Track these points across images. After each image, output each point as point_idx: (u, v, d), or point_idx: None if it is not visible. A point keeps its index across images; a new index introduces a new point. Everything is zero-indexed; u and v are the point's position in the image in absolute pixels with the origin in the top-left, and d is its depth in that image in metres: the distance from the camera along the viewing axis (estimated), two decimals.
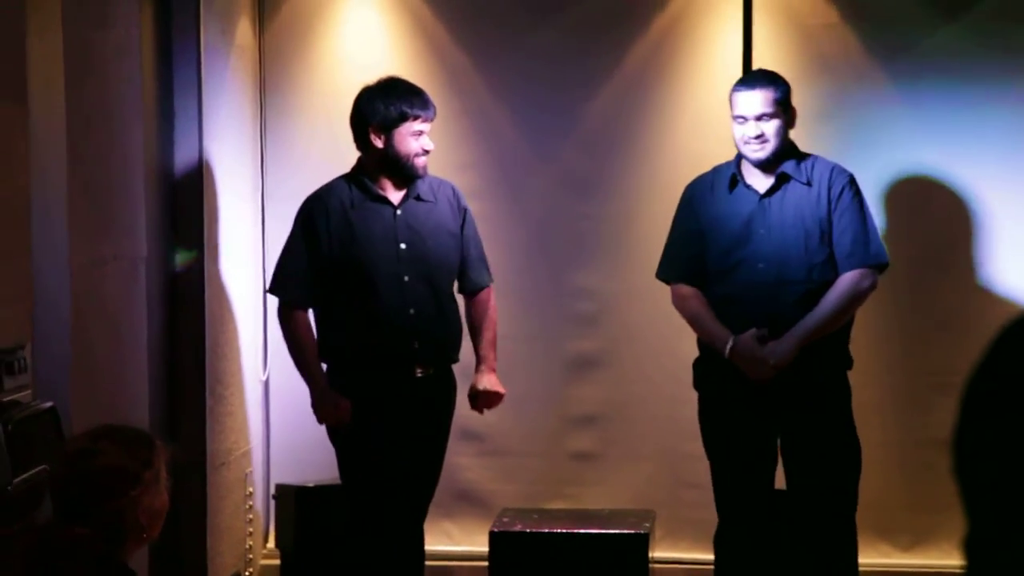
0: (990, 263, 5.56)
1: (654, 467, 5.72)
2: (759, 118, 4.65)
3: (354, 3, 5.76)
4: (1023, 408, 1.15)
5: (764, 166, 4.69)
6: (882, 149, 5.52)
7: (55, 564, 2.92)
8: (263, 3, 5.75)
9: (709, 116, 5.60)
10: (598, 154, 5.70)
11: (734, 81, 5.52)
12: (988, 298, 5.54)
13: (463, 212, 4.83)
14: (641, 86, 5.66)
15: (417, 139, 4.64)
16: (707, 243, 4.73)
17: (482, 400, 4.88)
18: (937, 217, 5.57)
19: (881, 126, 5.55)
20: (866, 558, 5.47)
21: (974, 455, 1.17)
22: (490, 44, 5.71)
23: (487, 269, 4.92)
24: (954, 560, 5.41)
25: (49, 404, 3.76)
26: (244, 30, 5.62)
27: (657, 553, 5.53)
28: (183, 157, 5.15)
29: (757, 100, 4.66)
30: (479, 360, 4.90)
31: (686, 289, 4.77)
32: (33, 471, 3.53)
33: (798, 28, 5.60)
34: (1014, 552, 1.15)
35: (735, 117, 4.70)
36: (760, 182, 4.71)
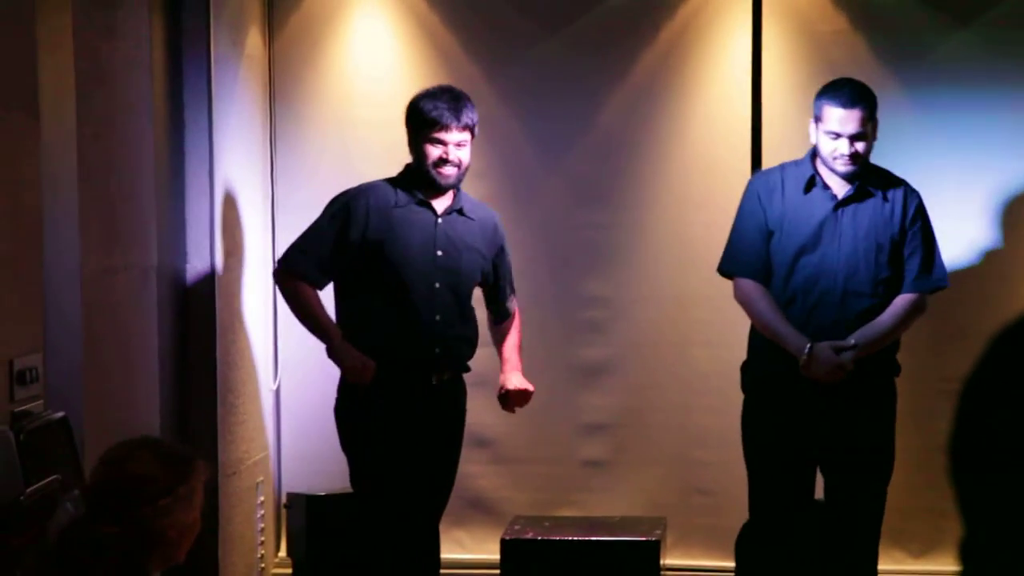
0: (1002, 270, 5.55)
1: (665, 474, 5.72)
2: (854, 137, 4.65)
3: (363, 12, 5.77)
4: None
5: (853, 177, 4.70)
6: (892, 155, 5.49)
7: (80, 558, 2.93)
8: (272, 13, 5.77)
9: (719, 124, 5.60)
10: (608, 162, 5.70)
11: (743, 88, 5.54)
12: (1000, 305, 5.53)
13: (499, 248, 4.88)
14: (651, 94, 5.66)
15: (436, 147, 4.65)
16: (774, 241, 4.72)
17: (513, 399, 4.89)
18: (948, 224, 5.56)
19: (891, 133, 5.52)
20: (879, 564, 5.47)
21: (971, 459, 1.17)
22: (500, 53, 5.72)
23: (513, 297, 4.99)
24: (965, 566, 5.42)
25: (61, 414, 3.76)
26: (254, 40, 5.64)
27: (668, 560, 5.53)
28: (193, 167, 5.16)
29: (855, 119, 4.64)
30: (504, 362, 4.93)
31: (751, 286, 4.73)
32: (45, 481, 3.53)
33: (808, 35, 5.60)
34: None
35: (828, 132, 4.66)
36: (838, 186, 4.71)
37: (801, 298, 4.68)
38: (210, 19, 5.16)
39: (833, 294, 4.66)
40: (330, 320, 4.73)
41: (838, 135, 4.65)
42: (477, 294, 4.91)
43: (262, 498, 5.66)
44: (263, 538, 5.68)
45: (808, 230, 4.68)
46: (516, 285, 5.05)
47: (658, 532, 5.30)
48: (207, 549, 5.19)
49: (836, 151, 4.66)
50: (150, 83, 4.68)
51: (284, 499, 5.70)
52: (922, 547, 5.65)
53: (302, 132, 5.78)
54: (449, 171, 4.67)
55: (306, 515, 5.43)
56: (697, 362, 5.54)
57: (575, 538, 5.26)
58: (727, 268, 4.82)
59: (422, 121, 4.65)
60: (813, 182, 4.72)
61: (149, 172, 4.64)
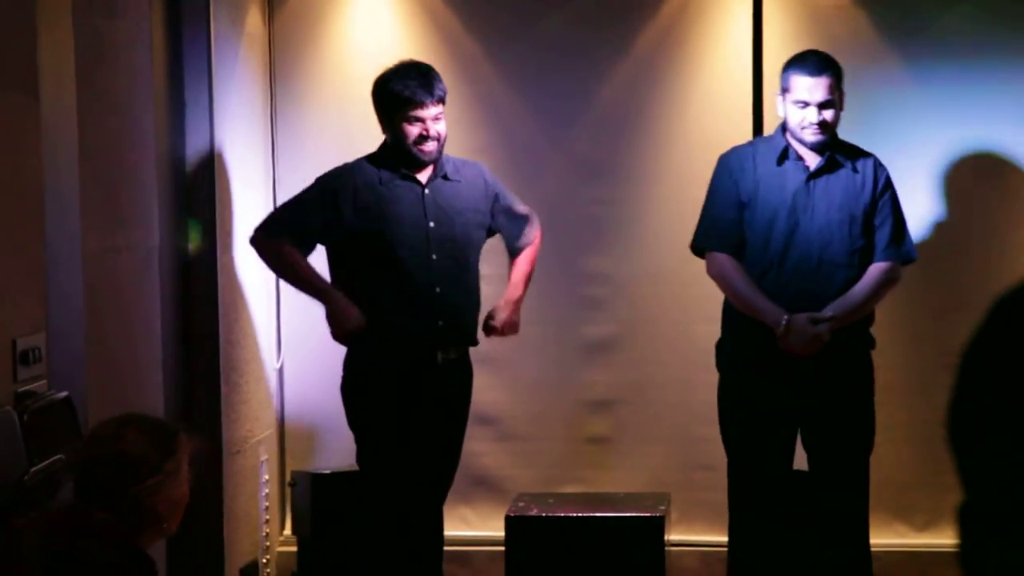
0: (1004, 243, 5.55)
1: (669, 450, 5.73)
2: (822, 105, 4.65)
3: None
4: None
5: (824, 148, 4.70)
6: (894, 130, 5.51)
7: (75, 547, 2.94)
8: None
9: (720, 99, 5.60)
10: (610, 139, 5.70)
11: (744, 63, 5.53)
12: (1003, 278, 5.53)
13: (493, 195, 4.84)
14: (652, 70, 5.65)
15: (412, 125, 4.64)
16: (747, 213, 4.72)
17: (494, 333, 4.82)
18: (951, 197, 5.56)
19: (893, 107, 5.54)
20: (881, 538, 5.49)
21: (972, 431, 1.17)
22: (500, 30, 5.71)
23: (529, 223, 4.91)
24: (968, 539, 5.43)
25: (64, 394, 3.77)
26: (254, 18, 5.63)
27: (673, 536, 5.54)
28: (194, 146, 5.16)
29: (823, 87, 4.66)
30: (507, 287, 4.87)
31: (726, 259, 4.74)
32: (49, 461, 3.54)
33: (809, 10, 5.59)
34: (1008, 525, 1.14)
35: (795, 101, 4.69)
36: (810, 158, 4.72)
37: (776, 269, 4.69)
38: None
39: (808, 264, 4.67)
40: (320, 276, 4.69)
41: (806, 104, 4.67)
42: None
43: (266, 477, 5.67)
44: (268, 517, 5.69)
45: (782, 201, 4.69)
46: None
47: (662, 508, 5.31)
48: (212, 528, 5.20)
49: (804, 120, 4.67)
50: (150, 62, 4.67)
51: (289, 478, 5.70)
52: (925, 520, 5.66)
53: (303, 110, 5.77)
54: (430, 146, 4.66)
55: (311, 493, 5.43)
56: (699, 338, 5.53)
57: (579, 514, 5.26)
58: (701, 244, 4.82)
59: (395, 101, 4.64)
60: (786, 154, 4.73)
61: (150, 151, 4.63)
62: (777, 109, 4.78)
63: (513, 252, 4.92)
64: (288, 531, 5.81)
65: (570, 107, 5.70)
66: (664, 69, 5.65)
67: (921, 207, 5.53)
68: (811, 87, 4.66)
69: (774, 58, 5.29)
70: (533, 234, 4.93)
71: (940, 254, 5.54)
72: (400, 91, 4.63)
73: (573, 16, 5.68)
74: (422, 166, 4.71)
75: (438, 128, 4.67)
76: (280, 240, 4.67)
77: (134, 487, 2.95)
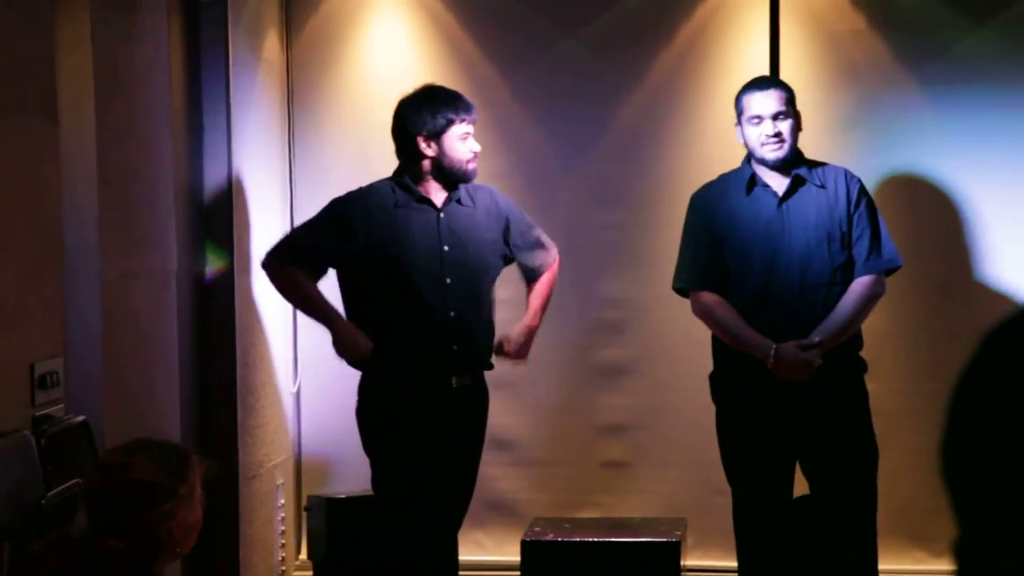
0: (1021, 267, 5.54)
1: (685, 475, 5.72)
2: (775, 117, 4.67)
3: (381, 15, 5.78)
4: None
5: (779, 167, 4.69)
6: (911, 155, 5.51)
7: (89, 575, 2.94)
8: (290, 17, 5.78)
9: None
10: (625, 163, 5.70)
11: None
12: (1020, 301, 5.52)
13: (504, 219, 4.84)
14: (668, 95, 5.66)
15: (465, 142, 4.67)
16: (725, 247, 4.72)
17: (506, 348, 4.79)
18: (967, 222, 5.55)
19: (910, 132, 5.54)
20: (899, 564, 5.47)
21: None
22: (517, 55, 5.72)
23: (545, 248, 4.91)
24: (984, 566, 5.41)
25: (81, 418, 3.78)
26: (272, 44, 5.65)
27: (689, 561, 5.53)
28: (212, 171, 5.18)
29: (773, 99, 4.68)
30: (525, 313, 4.87)
31: (710, 297, 4.74)
32: (66, 485, 3.55)
33: (825, 34, 5.59)
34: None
35: (750, 118, 4.70)
36: (777, 183, 4.71)
37: (760, 299, 4.67)
38: (228, 23, 5.17)
39: (791, 289, 4.65)
40: (328, 303, 4.68)
41: (760, 118, 4.68)
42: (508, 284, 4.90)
43: (282, 501, 5.67)
44: (283, 541, 5.69)
45: (757, 230, 4.68)
46: None
47: (678, 533, 5.30)
48: (228, 552, 5.20)
49: (762, 135, 4.68)
50: (168, 87, 4.70)
51: (304, 502, 5.70)
52: (942, 547, 5.64)
53: (320, 135, 5.79)
54: (476, 163, 4.71)
55: (326, 518, 5.43)
56: None
57: (595, 539, 5.25)
58: (682, 284, 4.81)
59: (449, 120, 4.64)
60: (753, 181, 4.72)
61: (168, 176, 4.65)
62: (737, 138, 4.78)
63: (530, 278, 4.92)
64: (304, 555, 5.81)
65: (586, 131, 5.71)
66: (680, 94, 5.66)
67: (936, 232, 5.52)
68: (762, 100, 4.68)
69: (791, 83, 5.27)
70: (550, 261, 4.93)
71: (958, 279, 5.53)
72: (454, 112, 4.65)
73: (589, 40, 5.69)
74: (451, 188, 4.71)
75: (478, 146, 4.72)
76: (291, 265, 4.67)
77: (148, 515, 2.94)
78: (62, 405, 3.81)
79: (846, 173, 4.74)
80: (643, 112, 5.67)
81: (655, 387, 5.72)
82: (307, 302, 4.71)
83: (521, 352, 4.81)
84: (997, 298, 5.53)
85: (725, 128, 5.62)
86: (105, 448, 3.80)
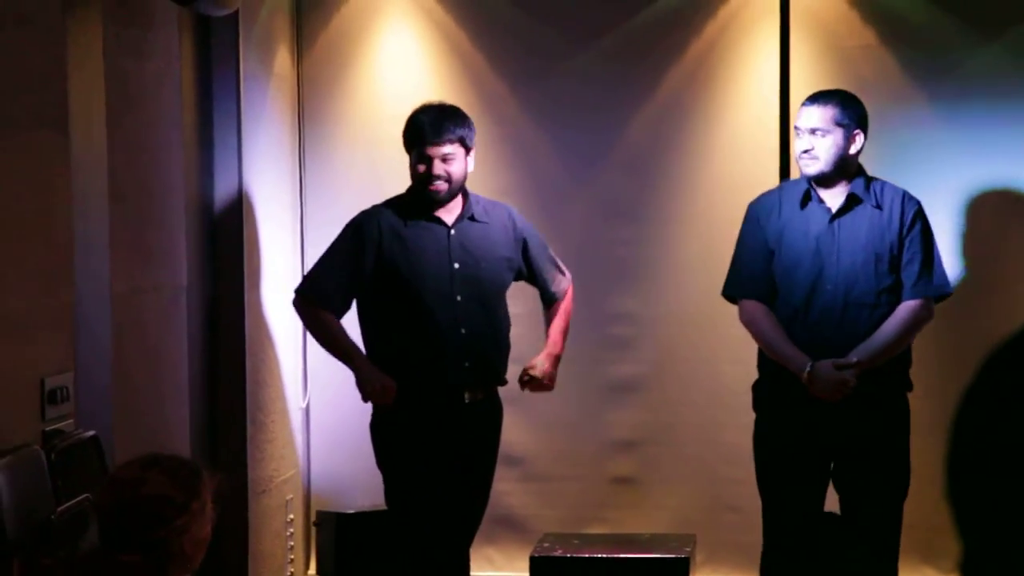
0: None
1: (694, 491, 5.71)
2: (812, 132, 4.66)
3: (391, 31, 5.79)
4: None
5: (827, 182, 4.68)
6: (922, 170, 5.50)
7: None
8: (301, 33, 5.79)
9: (746, 140, 5.60)
10: (636, 179, 5.70)
11: (771, 104, 5.56)
12: None
13: (521, 241, 4.84)
14: (678, 111, 5.66)
15: (421, 163, 4.66)
16: (775, 259, 4.72)
17: (531, 384, 4.81)
18: (977, 238, 5.55)
19: (921, 147, 5.54)
20: None
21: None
22: (527, 70, 5.73)
23: (562, 273, 4.93)
24: None
25: (91, 433, 3.78)
26: (282, 60, 5.66)
27: None
28: (223, 186, 5.19)
29: (813, 115, 4.67)
30: (546, 343, 4.87)
31: (755, 306, 4.73)
32: (76, 500, 3.55)
33: (836, 50, 5.59)
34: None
35: (795, 129, 4.72)
36: (831, 199, 4.70)
37: (803, 314, 4.67)
38: (239, 39, 5.19)
39: (835, 307, 4.64)
40: (352, 344, 4.71)
41: (800, 131, 4.69)
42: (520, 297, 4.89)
43: (292, 516, 5.67)
44: (292, 556, 5.69)
45: (806, 245, 4.68)
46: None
47: (688, 549, 5.29)
48: (237, 567, 5.20)
49: (798, 149, 4.69)
50: (180, 102, 4.71)
51: (314, 517, 5.70)
52: (952, 564, 5.62)
53: (331, 150, 5.80)
54: (440, 185, 4.66)
55: (335, 533, 5.43)
56: (726, 378, 5.52)
57: (604, 555, 5.25)
58: (730, 292, 4.83)
59: (407, 138, 4.69)
60: (809, 196, 4.72)
61: (179, 191, 4.66)
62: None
63: (548, 302, 4.93)
64: (313, 571, 5.81)
65: (596, 147, 5.71)
66: (691, 110, 5.66)
67: (947, 247, 5.52)
68: (805, 114, 4.69)
69: (801, 98, 5.26)
70: (566, 286, 4.94)
71: (973, 294, 5.52)
72: (410, 128, 4.69)
73: (599, 56, 5.70)
74: (441, 206, 4.71)
75: (447, 168, 4.67)
76: (319, 306, 4.70)
77: (160, 530, 2.94)
78: (72, 420, 3.81)
79: (904, 195, 4.72)
80: (653, 128, 5.67)
81: (665, 403, 5.72)
82: (332, 343, 4.72)
83: (547, 380, 4.81)
84: (1006, 313, 5.52)
85: (736, 144, 5.64)
86: (115, 463, 3.79)
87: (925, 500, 5.48)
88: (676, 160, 5.67)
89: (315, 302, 4.71)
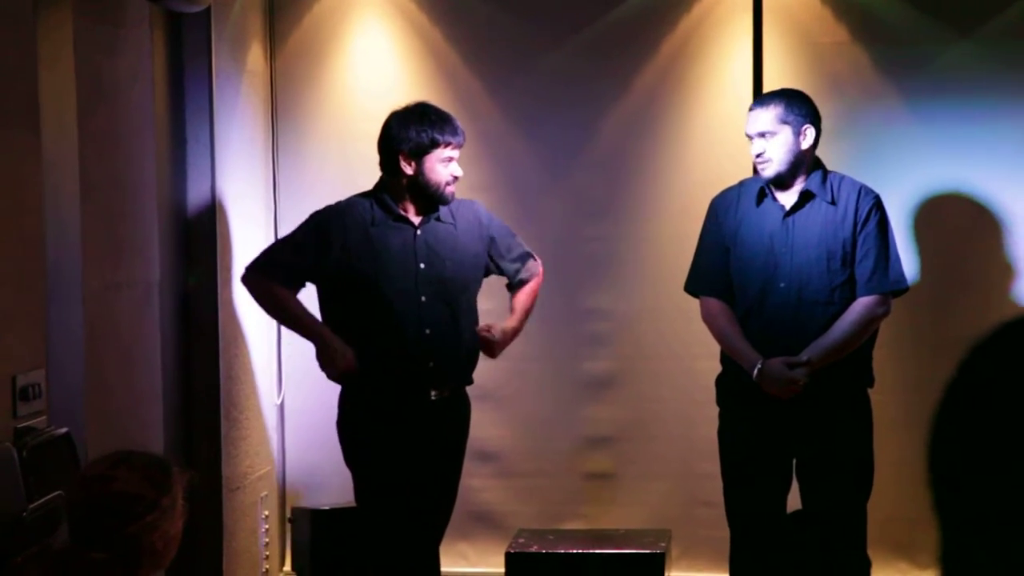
0: (1006, 278, 5.55)
1: (670, 486, 5.72)
2: (761, 135, 4.67)
3: (365, 28, 5.79)
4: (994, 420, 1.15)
5: (784, 183, 4.69)
6: (895, 167, 5.52)
7: None
8: (274, 29, 5.78)
9: (720, 136, 5.61)
10: (611, 175, 5.71)
11: (744, 101, 5.57)
12: (1003, 313, 5.53)
13: (488, 236, 4.83)
14: (652, 107, 5.67)
15: (447, 166, 4.65)
16: (731, 257, 4.73)
17: (491, 331, 4.76)
18: (952, 233, 5.57)
19: (893, 144, 5.55)
20: (885, 575, 5.47)
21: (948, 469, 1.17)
22: (501, 67, 5.73)
23: (533, 258, 4.91)
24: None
25: (64, 430, 3.77)
26: (255, 56, 5.65)
27: (673, 573, 5.53)
28: (195, 183, 5.18)
29: (759, 118, 4.68)
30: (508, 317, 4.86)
31: (714, 303, 4.76)
32: (48, 497, 3.54)
33: (809, 47, 5.60)
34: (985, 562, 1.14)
35: (746, 135, 4.72)
36: (786, 197, 4.71)
37: (757, 312, 4.68)
38: (211, 35, 5.18)
39: (788, 304, 4.64)
40: (308, 313, 4.67)
41: (750, 137, 4.70)
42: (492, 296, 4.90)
43: (266, 512, 5.66)
44: (267, 552, 5.68)
45: (760, 243, 4.69)
46: None
47: (663, 544, 5.30)
48: (212, 564, 5.19)
49: (752, 155, 4.70)
50: (152, 98, 4.69)
51: (289, 513, 5.70)
52: (929, 558, 5.64)
53: (304, 147, 5.79)
54: (455, 187, 4.69)
55: (311, 529, 5.43)
56: (701, 374, 5.53)
57: (580, 551, 5.25)
58: (690, 287, 4.86)
59: (433, 142, 4.62)
60: (763, 194, 4.72)
61: (151, 187, 4.65)
62: None
63: (513, 287, 4.92)
64: (288, 567, 5.80)
65: (570, 144, 5.72)
66: (664, 106, 5.67)
67: (921, 242, 5.54)
68: (750, 120, 4.71)
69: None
70: (536, 271, 4.92)
71: (942, 289, 5.54)
72: (439, 133, 4.63)
73: (573, 53, 5.70)
74: (422, 207, 4.70)
75: (460, 171, 4.69)
76: (271, 280, 4.67)
77: (131, 526, 2.94)
78: (44, 417, 3.79)
79: (861, 189, 4.70)
80: (628, 125, 5.68)
81: (640, 399, 5.73)
82: (287, 315, 4.71)
83: (497, 346, 4.77)
84: (984, 308, 5.54)
85: (710, 140, 5.65)
86: (88, 460, 3.78)
87: (900, 495, 5.50)
88: (650, 156, 5.69)
89: (266, 276, 4.66)
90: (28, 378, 3.74)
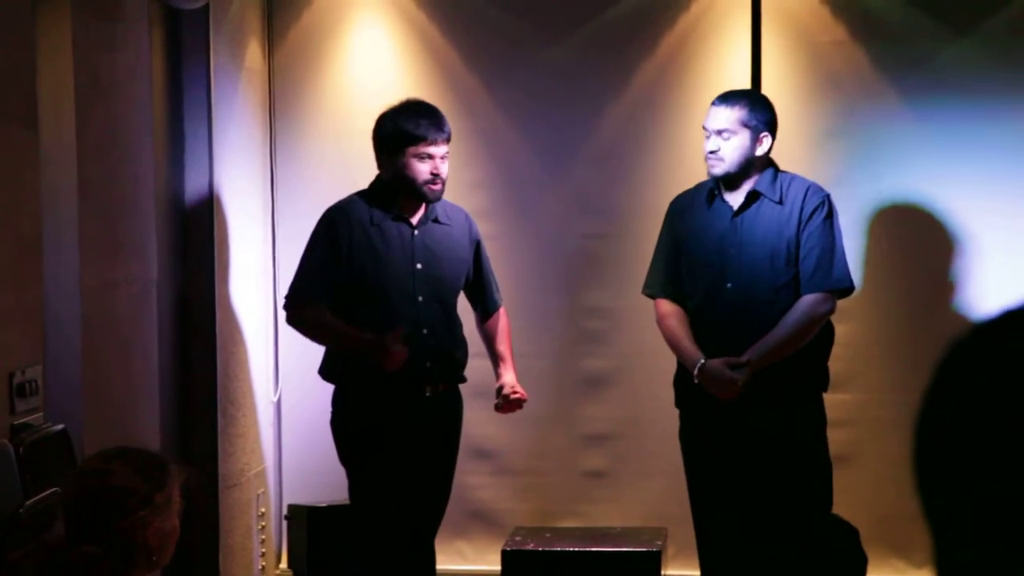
0: (1003, 278, 5.55)
1: (666, 484, 5.71)
2: (719, 133, 4.63)
3: (362, 24, 5.79)
4: (979, 426, 1.14)
5: (732, 183, 4.66)
6: (892, 166, 5.52)
7: None
8: (272, 26, 5.78)
9: None
10: (608, 172, 5.71)
11: None
12: (999, 314, 5.52)
13: (475, 243, 4.84)
14: (650, 104, 5.67)
15: (423, 163, 4.63)
16: (682, 258, 4.73)
17: (508, 405, 4.82)
18: (949, 233, 5.57)
19: (891, 143, 5.55)
20: (880, 573, 5.47)
21: (935, 473, 1.17)
22: (499, 63, 5.73)
23: (498, 291, 4.95)
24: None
25: (60, 427, 3.77)
26: (253, 53, 5.65)
27: (669, 571, 5.53)
28: (193, 179, 5.17)
29: (719, 116, 4.64)
30: (500, 360, 4.87)
31: (666, 305, 4.76)
32: (45, 493, 3.54)
33: (807, 45, 5.60)
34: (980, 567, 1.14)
35: (704, 129, 4.70)
36: (735, 198, 4.68)
37: (707, 313, 4.66)
38: (210, 32, 5.17)
39: (736, 304, 4.61)
40: (352, 328, 4.62)
41: (707, 131, 4.66)
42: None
43: (263, 510, 5.66)
44: (264, 550, 5.68)
45: (710, 243, 4.67)
46: (516, 295, 5.04)
47: (659, 543, 5.30)
48: (208, 561, 5.19)
49: (705, 150, 4.66)
50: (150, 95, 4.69)
51: (285, 511, 5.69)
52: (923, 557, 5.65)
53: (302, 144, 5.79)
54: (438, 185, 4.66)
55: (307, 527, 5.42)
56: None
57: (576, 549, 5.25)
58: (646, 290, 4.87)
59: (407, 137, 4.60)
60: (713, 195, 4.71)
61: (149, 184, 4.65)
62: None
63: (486, 310, 4.90)
64: (284, 565, 5.80)
65: (568, 141, 5.71)
66: (662, 103, 5.67)
67: (918, 241, 5.54)
68: (712, 114, 4.67)
69: (773, 93, 5.30)
70: (500, 300, 4.94)
71: (939, 289, 5.54)
72: (412, 128, 4.60)
73: (571, 51, 5.70)
74: (418, 206, 4.70)
75: (444, 168, 4.66)
76: (316, 304, 4.61)
77: (124, 521, 2.93)
78: (41, 413, 3.80)
79: (808, 189, 4.65)
80: (625, 122, 5.68)
81: (637, 397, 5.72)
82: (340, 339, 4.66)
83: (520, 400, 4.83)
84: (976, 307, 5.54)
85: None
86: (84, 457, 3.79)
87: (897, 493, 5.50)
88: (648, 154, 5.68)
89: (310, 302, 4.62)
90: (25, 374, 3.74)
